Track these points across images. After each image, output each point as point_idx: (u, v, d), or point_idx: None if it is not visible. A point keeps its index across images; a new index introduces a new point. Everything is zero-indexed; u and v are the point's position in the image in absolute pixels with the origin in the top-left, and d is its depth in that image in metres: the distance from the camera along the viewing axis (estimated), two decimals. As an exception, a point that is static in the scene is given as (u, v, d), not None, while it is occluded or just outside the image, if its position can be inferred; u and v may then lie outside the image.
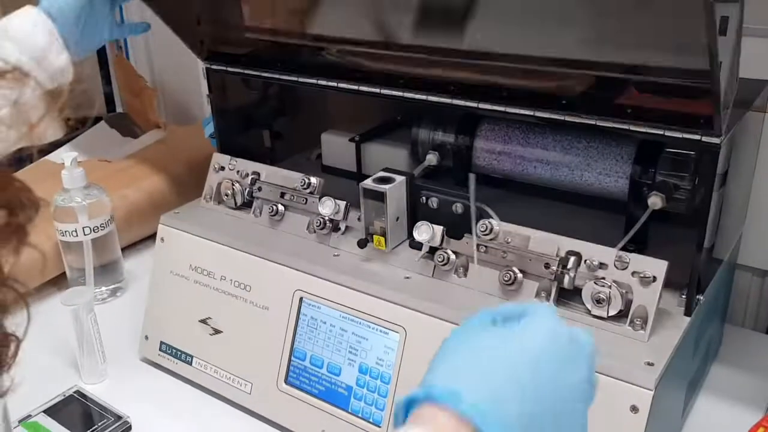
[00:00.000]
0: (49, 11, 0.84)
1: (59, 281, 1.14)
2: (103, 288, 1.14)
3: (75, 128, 1.39)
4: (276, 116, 1.27)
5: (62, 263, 1.12)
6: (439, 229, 0.79)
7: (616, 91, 0.72)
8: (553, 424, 0.46)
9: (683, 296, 0.73)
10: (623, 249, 0.71)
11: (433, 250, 0.79)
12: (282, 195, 0.92)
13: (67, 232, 1.08)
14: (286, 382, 0.85)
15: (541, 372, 0.47)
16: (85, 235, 1.07)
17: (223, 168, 0.98)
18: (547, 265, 0.72)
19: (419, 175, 0.90)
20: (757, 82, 0.81)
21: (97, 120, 1.51)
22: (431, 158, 0.92)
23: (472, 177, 0.74)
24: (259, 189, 0.93)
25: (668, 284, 0.69)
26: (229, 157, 0.98)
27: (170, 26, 0.97)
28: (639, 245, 0.82)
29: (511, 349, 0.48)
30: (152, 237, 1.05)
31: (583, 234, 0.73)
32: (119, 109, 1.63)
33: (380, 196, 0.80)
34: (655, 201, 0.77)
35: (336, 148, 1.06)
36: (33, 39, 0.82)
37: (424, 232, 0.78)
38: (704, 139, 0.65)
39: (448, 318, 0.74)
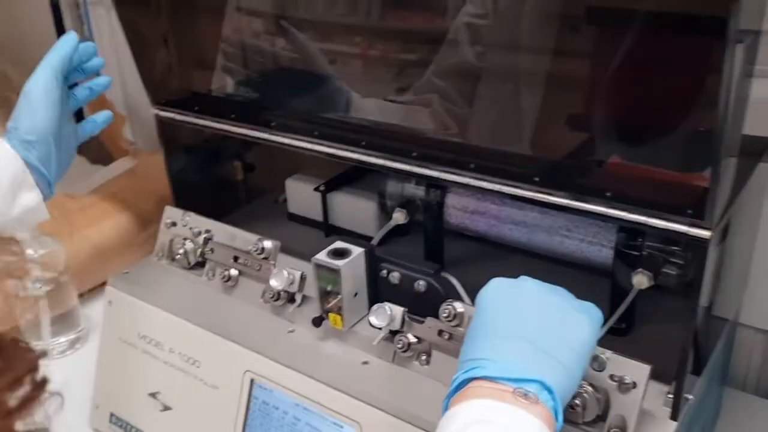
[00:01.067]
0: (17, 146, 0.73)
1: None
2: (62, 339, 1.07)
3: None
4: (247, 146, 1.19)
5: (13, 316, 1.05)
6: (399, 312, 0.71)
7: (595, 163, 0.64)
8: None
9: (670, 395, 0.64)
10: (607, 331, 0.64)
11: (394, 332, 0.71)
12: (235, 259, 0.84)
13: (18, 286, 1.00)
14: (238, 469, 0.78)
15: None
16: (36, 289, 1.00)
17: (175, 224, 0.90)
18: (515, 361, 0.64)
19: (382, 237, 0.82)
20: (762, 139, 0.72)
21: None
22: (398, 217, 0.84)
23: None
24: (212, 251, 0.86)
25: (654, 374, 0.61)
26: (182, 212, 0.90)
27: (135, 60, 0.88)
28: (624, 322, 0.74)
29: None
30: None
31: None
32: (91, 132, 1.55)
33: (335, 273, 0.72)
34: (641, 280, 0.69)
35: (301, 195, 0.98)
36: None
37: (381, 316, 0.70)
38: (691, 231, 0.56)
39: (405, 417, 0.66)
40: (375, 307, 0.70)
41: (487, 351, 0.53)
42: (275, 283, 0.77)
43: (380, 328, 0.71)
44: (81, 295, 1.12)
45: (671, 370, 0.65)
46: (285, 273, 0.77)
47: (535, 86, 0.64)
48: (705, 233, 0.55)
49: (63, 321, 1.06)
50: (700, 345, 0.67)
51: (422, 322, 0.70)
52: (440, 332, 0.69)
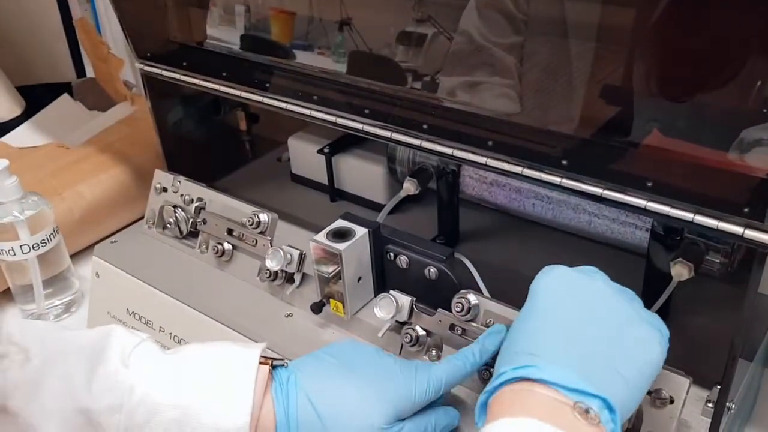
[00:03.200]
0: None
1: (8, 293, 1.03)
2: (56, 302, 1.01)
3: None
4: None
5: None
6: (406, 301, 0.63)
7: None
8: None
9: (709, 404, 0.57)
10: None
11: (402, 322, 0.65)
12: (229, 232, 0.76)
13: (4, 251, 0.94)
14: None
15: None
16: (24, 253, 0.94)
17: (165, 189, 0.83)
18: (535, 364, 0.57)
19: (390, 210, 0.74)
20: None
21: (60, 88, 1.35)
22: (408, 187, 0.75)
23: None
24: (204, 221, 0.78)
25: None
26: (172, 176, 0.82)
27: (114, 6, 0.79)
28: (659, 311, 0.66)
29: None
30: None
31: None
32: (89, 74, 1.47)
33: (335, 257, 0.64)
34: (680, 271, 0.60)
35: (305, 156, 0.90)
36: None
37: (386, 307, 0.63)
38: (747, 234, 0.48)
39: (411, 421, 0.60)
40: (380, 297, 0.63)
41: (549, 348, 0.45)
42: (271, 263, 0.70)
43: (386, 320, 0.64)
44: (76, 254, 1.06)
45: (710, 371, 0.57)
46: (281, 252, 0.70)
47: (566, 50, 0.55)
48: (765, 237, 0.47)
49: (56, 283, 1.01)
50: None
51: (432, 313, 0.63)
52: (452, 327, 0.62)
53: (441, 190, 0.78)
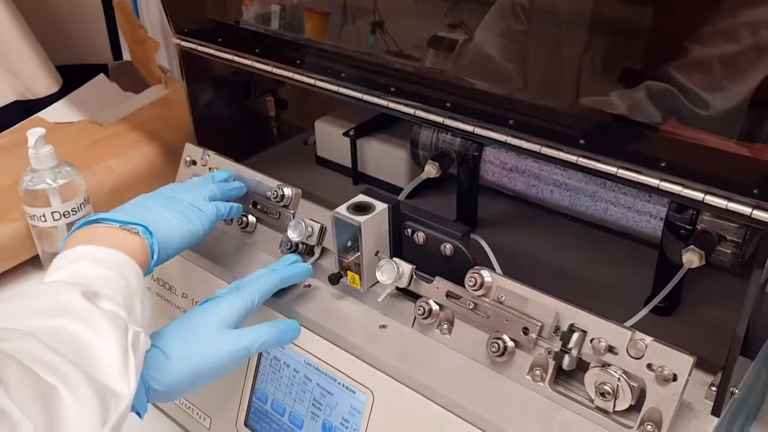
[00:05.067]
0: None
1: (36, 261, 1.06)
2: (82, 271, 1.04)
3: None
4: (281, 81, 1.13)
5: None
6: (407, 268, 0.65)
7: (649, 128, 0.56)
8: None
9: (713, 388, 0.58)
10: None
11: (417, 296, 0.66)
12: (254, 204, 0.79)
13: (36, 217, 0.98)
14: (246, 424, 0.74)
15: None
16: (55, 220, 0.97)
17: (195, 162, 0.85)
18: (544, 339, 0.59)
19: (412, 190, 0.76)
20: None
21: (97, 69, 1.39)
22: (430, 170, 0.77)
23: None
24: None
25: (696, 362, 0.55)
26: (202, 150, 0.85)
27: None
28: (670, 300, 0.68)
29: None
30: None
31: (605, 272, 0.63)
32: (126, 57, 1.50)
33: (355, 229, 0.66)
34: (691, 259, 0.62)
35: (330, 139, 0.92)
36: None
37: (387, 272, 0.65)
38: (755, 214, 0.49)
39: (420, 389, 0.62)
40: (382, 261, 0.65)
41: (116, 211, 0.67)
42: (293, 234, 0.72)
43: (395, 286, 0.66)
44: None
45: (716, 357, 0.58)
46: (303, 224, 0.72)
47: (587, 34, 0.57)
48: (772, 217, 0.48)
49: (84, 253, 1.04)
50: (750, 327, 0.60)
51: (430, 281, 0.64)
52: (449, 294, 0.63)
53: (461, 175, 0.79)
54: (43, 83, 1.30)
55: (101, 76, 1.37)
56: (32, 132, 0.95)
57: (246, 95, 1.07)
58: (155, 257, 0.64)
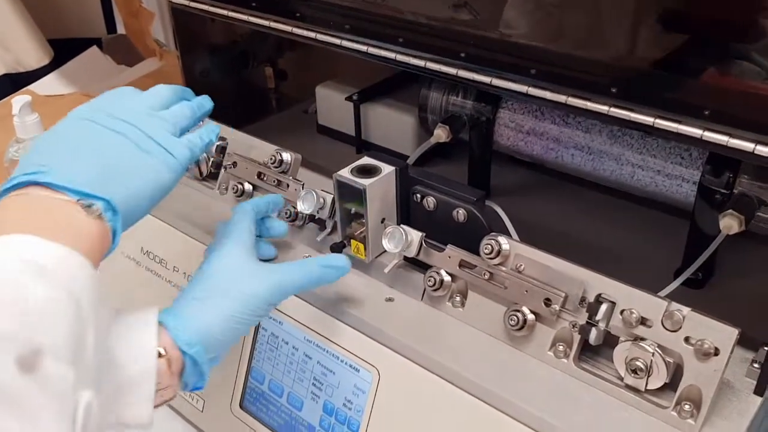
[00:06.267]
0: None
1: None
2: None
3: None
4: (280, 50, 1.08)
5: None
6: (416, 236, 0.60)
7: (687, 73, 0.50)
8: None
9: (755, 365, 0.52)
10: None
11: (427, 266, 0.61)
12: (257, 174, 0.73)
13: (21, 188, 0.92)
14: (242, 406, 0.69)
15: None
16: (41, 192, 0.92)
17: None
18: (568, 311, 0.53)
19: (421, 157, 0.70)
20: None
21: (91, 43, 1.34)
22: (439, 134, 0.71)
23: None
24: (231, 164, 0.75)
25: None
26: (195, 115, 0.79)
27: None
28: (702, 270, 0.62)
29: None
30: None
31: (630, 243, 0.58)
32: (120, 30, 1.45)
33: (359, 193, 0.61)
34: (730, 224, 0.56)
35: (332, 105, 0.86)
36: None
37: (394, 240, 0.60)
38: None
39: (430, 366, 0.56)
40: (389, 228, 0.60)
41: (58, 159, 0.47)
42: (303, 205, 0.66)
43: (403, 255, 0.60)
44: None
45: (754, 333, 0.53)
46: (314, 195, 0.66)
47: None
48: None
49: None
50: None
51: (442, 249, 0.59)
52: (462, 263, 0.58)
53: (473, 141, 0.74)
54: (34, 55, 1.25)
55: (94, 49, 1.32)
56: (17, 99, 0.89)
57: (244, 64, 1.02)
58: (115, 244, 0.48)
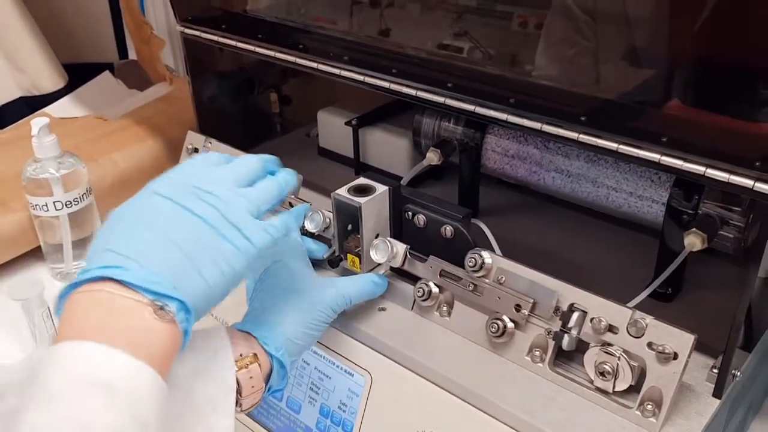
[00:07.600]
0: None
1: (38, 252, 1.06)
2: (83, 262, 1.04)
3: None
4: (285, 77, 1.14)
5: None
6: (401, 248, 0.65)
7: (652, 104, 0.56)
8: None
9: (714, 370, 0.57)
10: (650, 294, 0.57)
11: (417, 278, 0.66)
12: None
13: (38, 206, 0.98)
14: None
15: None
16: (57, 210, 0.97)
17: (197, 150, 0.86)
18: (542, 318, 0.58)
19: (412, 177, 0.76)
20: None
21: (103, 68, 1.40)
22: (432, 157, 0.77)
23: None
24: (232, 180, 0.80)
25: (698, 345, 0.54)
26: (203, 137, 0.85)
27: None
28: (671, 285, 0.67)
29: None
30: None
31: (606, 260, 0.64)
32: (131, 56, 1.51)
33: (355, 211, 0.66)
34: (693, 241, 0.61)
35: (333, 129, 0.92)
36: None
37: (381, 251, 0.65)
38: (757, 186, 0.49)
39: (419, 371, 0.61)
40: (376, 240, 0.65)
41: (132, 250, 0.44)
42: (310, 225, 0.71)
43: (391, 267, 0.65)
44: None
45: (717, 343, 0.58)
46: (321, 215, 0.71)
47: (590, 13, 0.57)
48: (773, 189, 0.48)
49: (85, 245, 1.04)
50: (753, 318, 0.60)
51: (424, 260, 0.64)
52: (442, 273, 0.63)
53: (463, 163, 0.79)
54: (49, 79, 1.31)
55: (106, 73, 1.38)
56: (36, 121, 0.95)
57: (250, 90, 1.08)
58: (184, 347, 0.45)
